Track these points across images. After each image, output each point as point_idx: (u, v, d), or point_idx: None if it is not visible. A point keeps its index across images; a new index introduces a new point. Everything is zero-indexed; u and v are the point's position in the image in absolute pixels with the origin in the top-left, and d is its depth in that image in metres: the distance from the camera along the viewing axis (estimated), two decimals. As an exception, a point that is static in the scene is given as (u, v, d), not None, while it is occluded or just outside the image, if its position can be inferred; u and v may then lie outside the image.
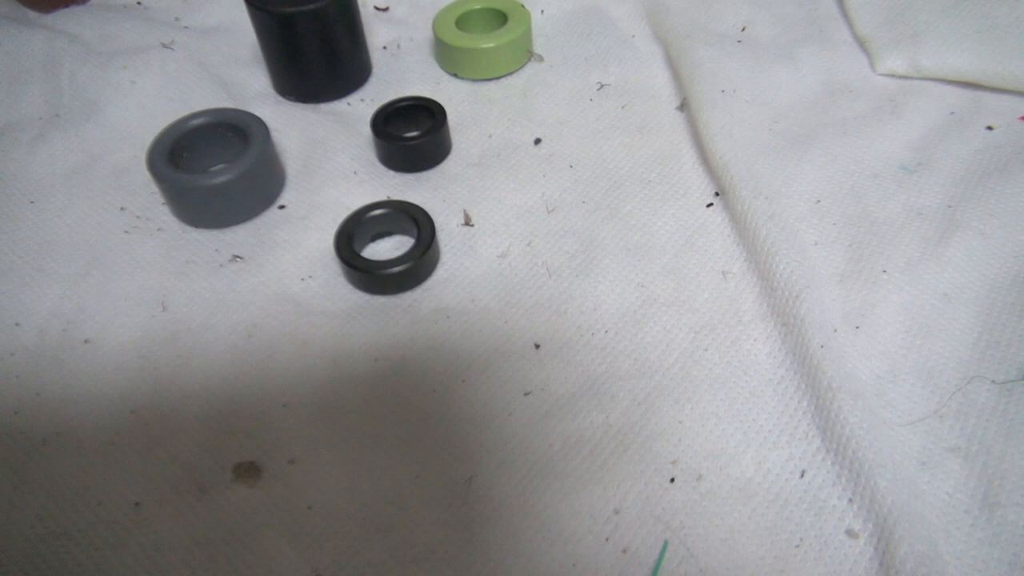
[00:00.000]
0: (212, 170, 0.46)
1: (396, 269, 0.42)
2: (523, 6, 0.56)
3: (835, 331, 0.39)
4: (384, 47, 0.59)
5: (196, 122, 0.48)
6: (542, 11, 0.60)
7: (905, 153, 0.49)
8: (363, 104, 0.55)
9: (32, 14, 0.62)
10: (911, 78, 0.53)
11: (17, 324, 0.42)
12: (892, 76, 0.54)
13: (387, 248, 0.46)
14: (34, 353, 0.41)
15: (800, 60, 0.55)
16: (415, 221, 0.44)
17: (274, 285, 0.44)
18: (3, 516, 0.35)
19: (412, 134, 0.50)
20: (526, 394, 0.39)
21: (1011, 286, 0.41)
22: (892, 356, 0.39)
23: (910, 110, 0.51)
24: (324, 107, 0.54)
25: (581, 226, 0.46)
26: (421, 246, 0.43)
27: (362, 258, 0.43)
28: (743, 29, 0.57)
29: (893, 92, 0.53)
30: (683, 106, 0.53)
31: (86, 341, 0.41)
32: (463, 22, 0.56)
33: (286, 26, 0.50)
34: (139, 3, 0.63)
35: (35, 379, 0.40)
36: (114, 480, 0.36)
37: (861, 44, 0.56)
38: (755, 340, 0.40)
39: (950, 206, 0.45)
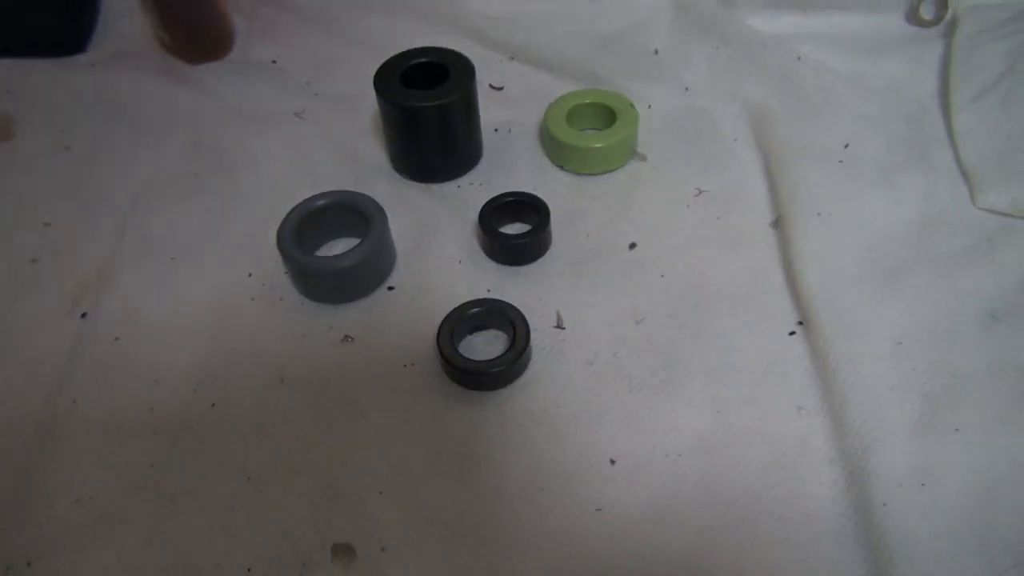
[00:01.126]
0: (333, 255, 0.50)
1: (492, 370, 0.46)
2: (633, 106, 0.59)
3: (900, 486, 0.41)
4: (496, 129, 0.62)
5: (321, 203, 0.53)
6: (649, 106, 0.62)
7: (995, 299, 0.49)
8: (472, 188, 0.58)
9: (181, 65, 0.68)
10: (1011, 216, 0.53)
11: (156, 381, 0.48)
12: (991, 211, 0.54)
13: (482, 342, 0.50)
14: (167, 410, 0.46)
15: (900, 186, 0.55)
16: (512, 324, 0.48)
17: (380, 370, 0.48)
18: (132, 571, 0.41)
19: (517, 232, 0.53)
20: (598, 510, 0.42)
21: (1086, 459, 0.42)
22: (953, 519, 0.40)
23: (1006, 252, 0.51)
24: (436, 188, 0.58)
25: (666, 340, 0.49)
26: (515, 351, 0.47)
27: (461, 356, 0.46)
28: (846, 146, 0.58)
29: (991, 230, 0.53)
30: (777, 223, 0.54)
31: (213, 405, 0.47)
32: (573, 115, 0.59)
33: (411, 117, 0.54)
34: (274, 62, 0.69)
35: (169, 436, 0.45)
36: (231, 545, 0.41)
37: (964, 174, 0.56)
38: (821, 483, 0.42)
39: (1034, 364, 0.46)
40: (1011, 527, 0.40)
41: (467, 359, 0.46)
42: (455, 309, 0.49)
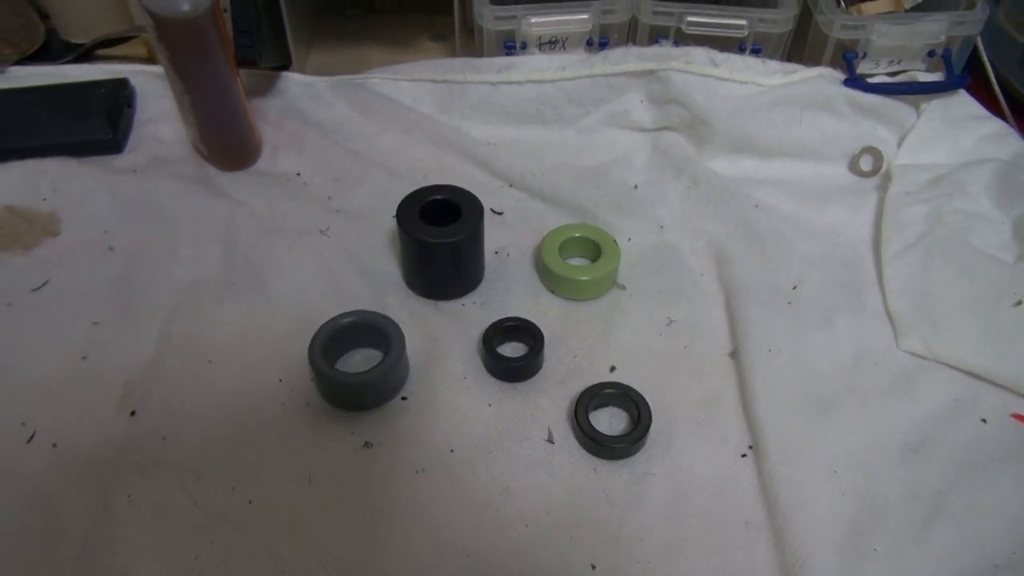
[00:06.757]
0: (359, 372, 0.58)
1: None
2: (615, 242, 0.69)
3: (828, 597, 0.50)
4: (496, 252, 0.71)
5: (347, 321, 0.61)
6: (629, 239, 0.72)
7: (911, 432, 0.59)
8: (475, 307, 0.67)
9: (214, 172, 0.76)
10: (927, 359, 0.64)
11: (199, 479, 0.55)
12: (911, 354, 0.64)
13: (483, 451, 0.58)
14: (209, 505, 0.53)
15: (837, 326, 0.66)
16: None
17: (394, 476, 0.56)
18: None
19: (515, 352, 0.62)
20: (583, 608, 0.50)
21: (976, 578, 0.51)
22: (869, 626, 0.50)
23: (922, 390, 0.62)
24: (444, 305, 0.67)
25: (638, 459, 0.57)
26: (513, 464, 0.55)
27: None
28: (794, 288, 0.69)
29: (910, 369, 0.63)
30: (734, 354, 0.64)
31: (250, 502, 0.54)
32: (564, 247, 0.69)
33: (427, 249, 0.63)
34: (298, 175, 0.77)
35: (211, 529, 0.52)
36: (267, 631, 0.48)
37: (890, 318, 0.67)
38: (764, 592, 0.51)
39: (940, 492, 0.56)
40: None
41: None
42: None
